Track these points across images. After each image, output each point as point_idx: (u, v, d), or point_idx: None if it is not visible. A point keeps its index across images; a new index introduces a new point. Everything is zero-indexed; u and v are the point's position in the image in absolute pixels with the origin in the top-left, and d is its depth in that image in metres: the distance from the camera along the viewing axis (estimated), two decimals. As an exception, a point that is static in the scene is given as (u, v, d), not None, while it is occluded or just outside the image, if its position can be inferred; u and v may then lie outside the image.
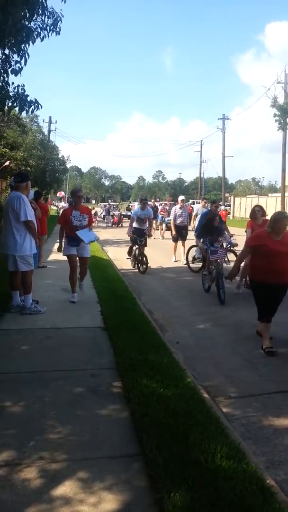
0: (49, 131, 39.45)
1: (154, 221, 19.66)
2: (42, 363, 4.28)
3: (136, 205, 47.31)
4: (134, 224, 11.19)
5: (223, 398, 3.92)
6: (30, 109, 6.59)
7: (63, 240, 7.02)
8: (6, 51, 6.32)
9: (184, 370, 4.19)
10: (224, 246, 8.47)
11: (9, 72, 6.29)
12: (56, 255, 12.46)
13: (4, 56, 6.35)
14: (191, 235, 12.19)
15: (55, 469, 2.62)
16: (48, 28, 6.67)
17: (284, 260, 4.95)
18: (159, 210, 22.99)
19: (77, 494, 2.41)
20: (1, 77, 6.36)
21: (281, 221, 5.01)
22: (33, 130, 32.86)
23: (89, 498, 2.38)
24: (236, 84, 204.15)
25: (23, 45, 6.38)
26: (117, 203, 50.59)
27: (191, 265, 11.15)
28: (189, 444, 2.79)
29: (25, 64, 6.41)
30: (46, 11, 6.49)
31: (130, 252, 11.70)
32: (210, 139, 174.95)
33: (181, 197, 13.53)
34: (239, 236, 10.14)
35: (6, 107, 6.69)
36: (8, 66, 6.25)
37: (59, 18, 6.59)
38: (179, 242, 12.63)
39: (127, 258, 11.89)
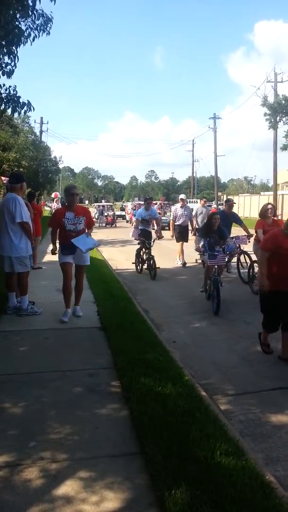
0: (41, 131, 39.30)
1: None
2: (40, 364, 4.29)
3: (130, 205, 47.10)
4: (140, 226, 10.53)
5: (221, 396, 3.95)
6: (23, 111, 6.59)
7: (57, 245, 6.07)
8: None
9: (181, 369, 4.21)
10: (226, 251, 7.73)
11: (0, 74, 6.28)
12: (51, 256, 12.45)
13: None
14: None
15: (56, 469, 2.63)
16: (38, 28, 6.68)
17: None
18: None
19: (79, 493, 2.42)
20: None
21: None
22: (25, 131, 32.78)
23: (91, 497, 2.39)
24: (227, 83, 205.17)
25: (13, 46, 6.38)
26: (111, 203, 50.48)
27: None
28: (189, 442, 2.82)
29: (15, 66, 6.41)
30: (36, 12, 6.50)
31: (138, 256, 10.80)
32: (202, 138, 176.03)
33: (182, 196, 12.82)
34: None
35: (-1, 110, 6.70)
36: (-1, 68, 6.26)
37: (49, 19, 6.60)
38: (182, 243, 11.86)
39: (132, 263, 11.02)
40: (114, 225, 32.58)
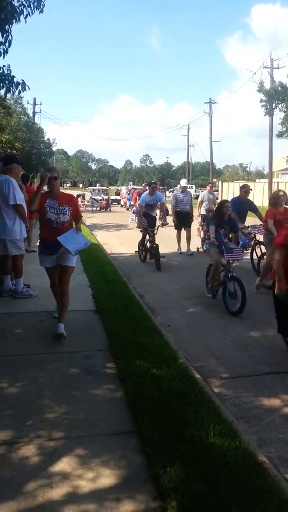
0: (34, 113, 38.66)
1: None
2: (35, 346, 4.32)
3: (124, 189, 46.65)
4: (145, 209, 9.85)
5: (215, 379, 4.01)
6: (17, 90, 6.47)
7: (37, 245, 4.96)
8: None
9: (175, 352, 4.26)
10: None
11: None
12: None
13: None
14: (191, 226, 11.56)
15: (52, 446, 2.68)
16: (32, 5, 6.53)
17: None
18: None
19: (75, 470, 2.47)
20: None
21: None
22: (18, 112, 32.21)
23: (87, 473, 2.44)
24: (223, 67, 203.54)
25: (7, 25, 6.24)
26: (106, 188, 50.12)
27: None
28: (183, 423, 2.87)
29: (9, 45, 6.28)
30: None
31: (142, 244, 10.12)
32: (197, 123, 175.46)
33: (183, 181, 12.02)
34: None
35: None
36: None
37: None
38: (183, 231, 11.22)
39: (135, 252, 10.46)
40: (108, 209, 32.44)
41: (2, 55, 6.43)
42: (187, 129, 55.30)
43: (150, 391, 3.28)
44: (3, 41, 6.40)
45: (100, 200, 33.93)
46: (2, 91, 6.83)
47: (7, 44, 6.44)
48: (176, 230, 11.28)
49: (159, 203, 9.97)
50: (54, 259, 4.73)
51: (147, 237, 9.72)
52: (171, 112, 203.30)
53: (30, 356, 4.07)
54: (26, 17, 6.59)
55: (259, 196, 38.95)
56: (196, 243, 11.53)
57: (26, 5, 6.53)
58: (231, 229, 6.65)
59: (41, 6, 6.71)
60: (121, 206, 37.21)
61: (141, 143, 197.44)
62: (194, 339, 5.04)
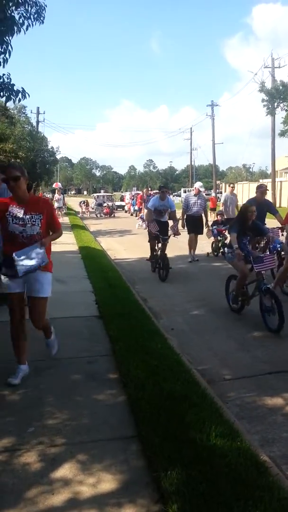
0: (37, 122, 39.02)
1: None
2: (38, 352, 4.32)
3: (128, 194, 46.71)
4: (154, 216, 9.02)
5: (218, 381, 4.00)
6: (17, 98, 6.55)
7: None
8: None
9: (178, 355, 4.25)
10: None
11: None
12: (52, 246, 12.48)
13: None
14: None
15: (54, 453, 2.69)
16: (32, 17, 6.63)
17: None
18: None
19: (77, 475, 2.48)
20: None
21: None
22: (21, 121, 32.57)
23: (88, 479, 2.45)
24: (225, 69, 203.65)
25: (6, 36, 6.32)
26: (111, 194, 50.31)
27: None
28: (185, 425, 2.86)
29: (9, 55, 6.36)
30: (29, 1, 6.44)
31: (152, 253, 9.36)
32: (200, 126, 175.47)
33: (198, 184, 10.89)
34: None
35: (-7, 97, 6.66)
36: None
37: (43, 8, 6.55)
38: (194, 236, 10.47)
39: (146, 260, 9.67)
40: (112, 215, 32.52)
41: (2, 64, 6.52)
42: (189, 132, 55.45)
43: (152, 394, 3.27)
44: (2, 51, 6.48)
45: (104, 206, 34.04)
46: (3, 99, 6.90)
47: (7, 54, 6.53)
48: (189, 235, 10.44)
49: (169, 210, 9.07)
50: (19, 285, 3.65)
51: (158, 245, 8.97)
52: (174, 117, 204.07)
53: (32, 362, 4.07)
54: (27, 29, 6.69)
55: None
56: (204, 248, 11.37)
57: (27, 17, 6.63)
58: (257, 234, 5.92)
59: (42, 18, 6.81)
60: (125, 211, 37.31)
61: (144, 149, 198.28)
62: (198, 342, 5.03)
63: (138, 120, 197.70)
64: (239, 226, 5.76)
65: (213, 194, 27.70)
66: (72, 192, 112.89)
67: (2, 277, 3.68)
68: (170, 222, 8.97)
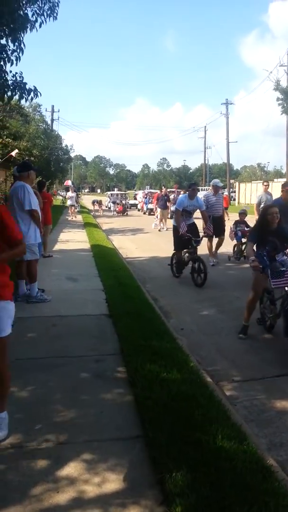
0: (52, 120, 39.31)
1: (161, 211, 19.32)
2: (47, 350, 4.35)
3: (140, 193, 46.65)
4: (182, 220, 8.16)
5: (227, 382, 3.97)
6: (30, 97, 6.58)
7: None
8: (3, 41, 6.30)
9: (187, 355, 4.23)
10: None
11: (7, 61, 6.27)
12: (61, 245, 12.56)
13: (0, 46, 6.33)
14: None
15: (60, 451, 2.69)
16: (45, 13, 6.63)
17: None
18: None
19: (82, 474, 2.48)
20: None
21: None
22: (36, 119, 32.81)
23: (93, 478, 2.45)
24: (240, 67, 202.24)
25: (19, 34, 6.36)
26: (125, 192, 50.38)
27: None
28: (191, 426, 2.84)
29: (22, 53, 6.39)
30: None
31: (179, 257, 8.40)
32: (214, 124, 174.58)
33: (215, 181, 10.15)
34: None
35: (6, 96, 6.69)
36: (5, 55, 6.24)
37: (56, 3, 6.56)
38: (215, 239, 9.72)
39: (168, 265, 8.87)
40: (125, 214, 32.56)
41: (15, 62, 6.55)
42: (204, 131, 55.18)
43: (160, 395, 3.26)
44: (15, 48, 6.51)
45: (117, 204, 34.15)
46: (16, 97, 6.95)
47: (20, 52, 6.55)
48: (206, 238, 9.43)
49: (199, 210, 8.35)
50: None
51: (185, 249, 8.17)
52: (188, 115, 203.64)
53: (41, 360, 4.11)
54: (40, 26, 6.70)
55: (277, 196, 38.43)
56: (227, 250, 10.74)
57: (40, 13, 6.64)
58: (284, 240, 4.97)
59: (55, 14, 6.80)
60: (138, 210, 37.33)
61: (158, 147, 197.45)
62: (207, 342, 5.00)
63: (152, 119, 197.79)
64: (259, 233, 5.00)
65: (226, 193, 27.46)
66: (86, 190, 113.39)
67: None
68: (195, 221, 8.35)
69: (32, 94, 6.51)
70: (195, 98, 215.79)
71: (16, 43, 6.16)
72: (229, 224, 11.06)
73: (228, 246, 10.64)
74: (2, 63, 6.21)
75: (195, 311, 6.29)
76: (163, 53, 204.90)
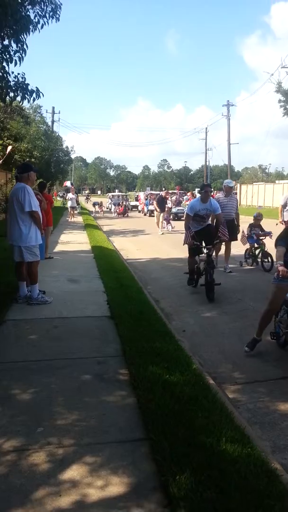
0: (53, 121, 39.30)
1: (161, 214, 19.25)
2: (49, 352, 4.33)
3: (142, 194, 46.70)
4: (193, 226, 7.41)
5: (229, 384, 3.95)
6: (32, 98, 6.57)
7: None
8: (6, 42, 6.29)
9: (189, 357, 4.21)
10: None
11: (9, 62, 6.26)
12: (62, 246, 12.54)
13: (2, 46, 6.31)
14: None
15: (62, 454, 2.67)
16: (47, 15, 6.63)
17: None
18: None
19: (84, 477, 2.45)
20: (1, 66, 6.33)
21: None
22: (37, 121, 32.80)
23: (96, 481, 2.42)
24: (242, 69, 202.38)
25: (21, 35, 6.35)
26: (126, 194, 50.37)
27: None
28: (194, 429, 2.82)
29: (24, 54, 6.38)
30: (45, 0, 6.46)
31: (192, 266, 7.55)
32: (215, 126, 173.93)
33: (227, 181, 9.56)
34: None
35: (8, 98, 6.68)
36: (8, 56, 6.23)
37: (58, 5, 6.55)
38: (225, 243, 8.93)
39: (185, 273, 7.90)
40: (126, 215, 32.55)
41: (19, 63, 6.54)
42: (205, 132, 55.16)
43: (162, 397, 3.23)
44: (18, 49, 6.50)
45: (118, 206, 34.16)
46: (18, 99, 6.93)
47: (23, 53, 6.53)
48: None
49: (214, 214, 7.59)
50: None
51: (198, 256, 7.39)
52: (189, 116, 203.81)
53: (43, 362, 4.08)
54: (42, 27, 6.70)
55: (279, 197, 38.48)
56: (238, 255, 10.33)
57: (42, 15, 6.63)
58: None
59: (57, 15, 6.80)
60: (139, 211, 37.33)
61: (159, 148, 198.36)
62: (209, 344, 4.98)
63: (153, 120, 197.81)
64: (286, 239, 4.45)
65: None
66: (86, 192, 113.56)
67: None
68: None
69: (34, 95, 6.49)
70: (197, 99, 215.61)
71: (19, 44, 6.15)
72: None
73: (236, 248, 10.16)
74: (4, 63, 6.19)
75: (197, 312, 6.26)
76: (165, 54, 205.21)
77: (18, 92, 6.38)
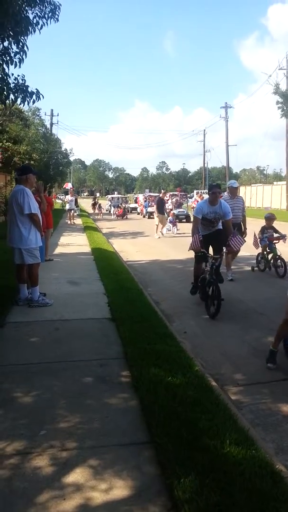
0: (51, 124, 39.41)
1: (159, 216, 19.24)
2: (50, 355, 4.31)
3: (141, 196, 46.80)
4: (201, 230, 6.70)
5: (232, 386, 3.94)
6: (32, 100, 6.57)
7: None
8: (6, 43, 6.30)
9: (191, 359, 4.20)
10: None
11: (9, 64, 6.27)
12: (62, 248, 12.53)
13: (3, 48, 6.32)
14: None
15: (66, 457, 2.65)
16: (46, 16, 6.64)
17: None
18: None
19: (88, 481, 2.44)
20: (1, 68, 6.33)
21: None
22: (36, 123, 32.80)
23: (100, 484, 2.41)
24: (240, 70, 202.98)
25: (22, 37, 6.35)
26: (125, 196, 50.40)
27: None
28: (198, 431, 2.81)
29: (25, 55, 6.39)
30: (44, 0, 6.47)
31: (198, 273, 6.79)
32: (213, 128, 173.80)
33: (231, 182, 8.98)
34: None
35: (8, 101, 6.68)
36: (8, 57, 6.23)
37: (57, 6, 6.57)
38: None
39: (191, 283, 7.15)
40: (125, 217, 32.53)
41: (18, 64, 6.54)
42: (203, 134, 55.29)
43: (165, 399, 3.22)
44: (18, 50, 6.50)
45: (117, 208, 34.14)
46: (18, 101, 6.93)
47: (23, 54, 6.54)
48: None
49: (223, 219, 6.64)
50: None
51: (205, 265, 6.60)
52: (187, 118, 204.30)
53: (44, 364, 4.07)
54: (41, 28, 6.70)
55: (277, 199, 38.52)
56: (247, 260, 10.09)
57: (41, 16, 6.64)
58: None
59: (56, 16, 6.81)
60: (138, 213, 37.32)
61: (157, 150, 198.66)
62: (211, 346, 4.97)
63: (151, 122, 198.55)
64: None
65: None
66: (85, 194, 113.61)
67: None
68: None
69: (34, 97, 6.49)
70: (195, 101, 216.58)
71: (20, 45, 6.15)
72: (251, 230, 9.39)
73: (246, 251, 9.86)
74: (4, 65, 6.19)
75: (198, 314, 6.25)
76: (163, 57, 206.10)
77: (18, 94, 6.38)
